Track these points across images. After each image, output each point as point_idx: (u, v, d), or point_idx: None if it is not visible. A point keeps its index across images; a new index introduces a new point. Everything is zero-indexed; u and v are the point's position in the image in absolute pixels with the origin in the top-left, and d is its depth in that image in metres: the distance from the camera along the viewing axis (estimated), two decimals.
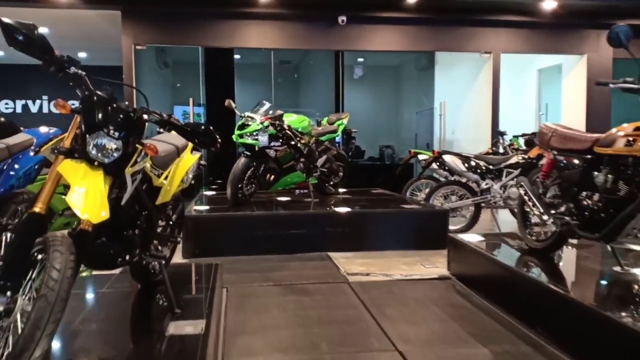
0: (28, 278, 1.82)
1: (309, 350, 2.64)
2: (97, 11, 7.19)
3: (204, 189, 7.33)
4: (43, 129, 3.43)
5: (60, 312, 1.66)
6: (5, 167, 2.58)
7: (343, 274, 4.09)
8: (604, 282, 3.06)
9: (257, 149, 5.16)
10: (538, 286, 2.91)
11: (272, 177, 5.47)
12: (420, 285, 3.84)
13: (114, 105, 2.04)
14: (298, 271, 4.18)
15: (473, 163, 5.72)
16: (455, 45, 7.94)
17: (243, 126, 5.20)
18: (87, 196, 1.85)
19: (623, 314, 2.34)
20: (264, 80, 10.14)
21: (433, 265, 4.29)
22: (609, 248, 3.09)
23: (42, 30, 7.23)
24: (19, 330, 1.70)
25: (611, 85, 2.67)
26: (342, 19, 7.43)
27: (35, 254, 1.83)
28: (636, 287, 2.84)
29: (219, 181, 7.85)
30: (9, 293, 1.78)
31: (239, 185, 5.15)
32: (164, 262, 2.69)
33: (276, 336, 2.83)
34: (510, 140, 6.87)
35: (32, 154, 2.78)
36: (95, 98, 2.02)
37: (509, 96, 9.29)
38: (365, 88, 11.91)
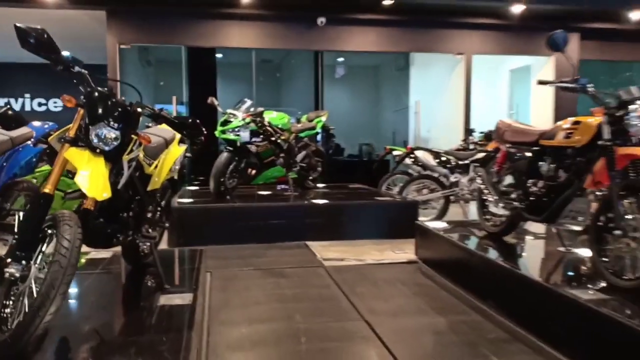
0: (39, 249, 2.10)
1: (285, 321, 2.95)
2: (83, 11, 7.37)
3: (186, 184, 7.55)
4: (36, 123, 3.68)
5: (71, 275, 1.94)
6: (9, 157, 2.84)
7: (319, 260, 4.40)
8: (548, 260, 3.43)
9: (239, 144, 5.45)
10: (491, 264, 3.26)
11: (254, 171, 5.76)
12: (390, 268, 4.18)
13: (113, 100, 2.32)
14: (277, 257, 4.48)
15: (443, 158, 6.09)
16: (430, 46, 8.32)
17: (225, 122, 5.48)
18: (92, 178, 2.14)
19: (562, 285, 2.70)
20: (246, 79, 10.39)
21: (403, 251, 4.62)
22: (554, 230, 3.46)
23: None
24: (34, 294, 1.98)
25: (549, 86, 3.02)
26: (321, 20, 7.75)
27: (46, 229, 2.11)
28: (575, 263, 3.21)
29: (201, 177, 8.09)
30: (23, 262, 2.06)
31: (222, 179, 5.43)
32: (154, 242, 2.97)
33: (256, 310, 3.14)
34: (479, 137, 7.26)
35: (31, 145, 3.03)
36: (96, 94, 2.29)
37: (482, 95, 9.71)
38: (345, 87, 12.24)
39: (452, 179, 5.93)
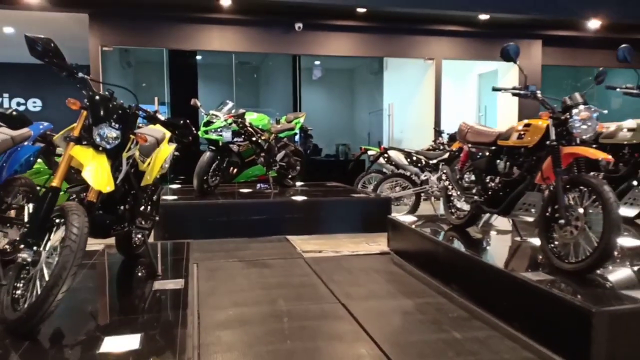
0: (48, 237, 2.35)
1: (268, 304, 3.24)
2: (65, 13, 7.51)
3: (167, 183, 7.74)
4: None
5: (80, 259, 2.19)
6: (10, 155, 3.05)
7: (299, 252, 4.70)
8: (504, 248, 3.80)
9: (221, 144, 5.71)
10: (454, 253, 3.60)
11: (235, 170, 6.03)
12: (364, 259, 4.51)
13: (114, 103, 2.57)
14: (259, 250, 4.76)
15: (414, 158, 6.45)
16: (401, 51, 8.70)
17: (208, 123, 5.74)
18: (97, 173, 2.39)
19: (516, 269, 3.05)
20: (226, 80, 10.62)
21: (376, 243, 4.95)
22: (510, 222, 3.83)
23: (8, 30, 7.62)
24: (45, 276, 2.22)
25: (502, 92, 3.37)
26: (298, 25, 8.05)
27: (54, 218, 2.36)
28: (527, 250, 3.58)
29: (182, 177, 8.29)
30: (34, 248, 2.30)
31: (205, 177, 5.69)
32: (147, 233, 3.23)
33: (241, 296, 3.42)
34: (448, 138, 7.65)
35: (30, 144, 3.24)
36: (98, 97, 2.54)
37: (453, 98, 10.16)
38: (322, 89, 12.56)
39: (423, 177, 6.29)
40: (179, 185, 7.24)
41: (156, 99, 8.24)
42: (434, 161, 6.26)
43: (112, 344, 2.10)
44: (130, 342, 2.12)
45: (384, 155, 6.63)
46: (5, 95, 11.65)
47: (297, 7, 7.55)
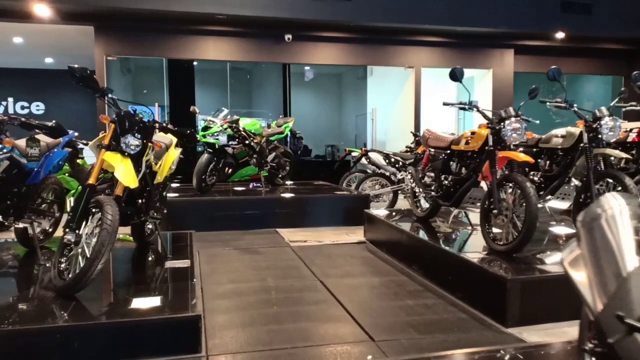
0: (86, 223, 3.02)
1: (259, 281, 3.92)
2: (72, 26, 8.14)
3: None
4: None
5: (114, 240, 2.85)
6: (46, 159, 3.68)
7: (287, 242, 5.38)
8: (456, 235, 4.50)
9: (217, 146, 6.38)
10: (416, 240, 4.30)
11: (230, 170, 6.71)
12: (343, 247, 5.20)
13: (136, 118, 3.24)
14: (252, 240, 5.43)
15: (392, 159, 7.15)
16: (384, 60, 9.40)
17: (206, 128, 6.41)
18: (125, 173, 3.06)
19: (460, 251, 3.75)
20: (221, 84, 11.27)
21: (355, 234, 5.63)
22: (463, 213, 4.54)
23: (17, 40, 8.32)
24: (87, 253, 2.89)
25: (450, 107, 4.07)
26: (288, 36, 8.73)
27: (91, 208, 3.02)
28: (474, 237, 4.28)
29: (179, 176, 8.94)
30: (77, 231, 2.97)
31: (203, 177, 6.36)
32: (158, 223, 3.91)
33: (236, 275, 4.10)
34: (414, 142, 8.33)
35: (60, 149, 3.88)
36: (124, 113, 3.20)
37: (434, 103, 10.84)
38: (312, 93, 13.24)
39: (399, 176, 6.99)
40: (177, 184, 7.89)
41: (156, 105, 8.89)
42: (409, 162, 6.95)
43: (139, 303, 2.77)
44: (152, 301, 2.79)
45: (365, 156, 7.32)
46: (10, 99, 12.24)
47: (287, 20, 8.21)
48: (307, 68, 12.43)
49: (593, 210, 1.10)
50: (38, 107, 12.43)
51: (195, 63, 10.85)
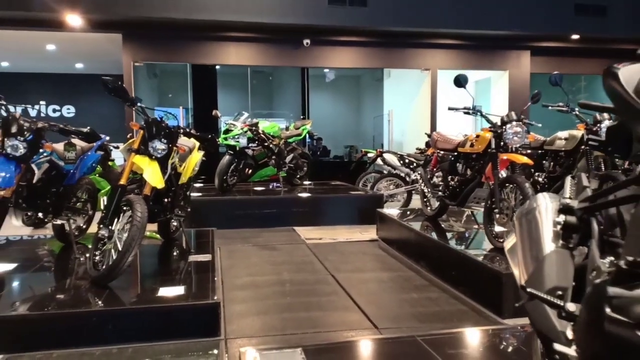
0: (118, 220, 3.34)
1: (275, 275, 4.21)
2: (101, 34, 8.58)
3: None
4: None
5: (143, 234, 3.16)
6: (81, 161, 4.04)
7: (303, 239, 5.66)
8: (463, 234, 4.71)
9: (238, 149, 6.70)
10: (423, 237, 4.53)
11: (250, 170, 7.03)
12: (356, 244, 5.45)
13: (163, 124, 3.55)
14: (270, 238, 5.73)
15: (406, 160, 7.37)
16: (400, 63, 9.61)
17: (227, 131, 6.73)
18: (153, 174, 3.38)
19: (465, 248, 3.96)
20: (242, 86, 11.65)
21: (368, 233, 5.88)
22: (469, 212, 4.75)
23: (50, 47, 8.81)
24: (119, 246, 3.21)
25: (455, 111, 4.28)
26: (306, 41, 9.02)
27: (123, 206, 3.35)
28: (479, 235, 4.48)
29: (203, 177, 9.32)
30: (110, 227, 3.30)
31: (224, 177, 6.69)
32: (182, 220, 4.23)
33: (254, 269, 4.39)
34: (425, 144, 8.51)
35: (94, 152, 4.24)
36: (151, 120, 3.52)
37: (452, 104, 10.99)
38: (331, 95, 13.52)
39: (413, 176, 7.19)
40: (200, 184, 8.25)
41: (181, 108, 9.29)
42: (423, 163, 7.16)
43: (165, 291, 3.08)
44: (177, 290, 3.09)
45: (380, 157, 7.56)
46: (42, 102, 12.83)
47: (305, 27, 8.51)
48: (327, 70, 12.70)
49: (528, 206, 1.35)
50: (69, 110, 13.00)
51: (218, 67, 11.24)
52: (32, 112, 12.77)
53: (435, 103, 9.66)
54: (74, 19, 7.83)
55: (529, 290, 0.99)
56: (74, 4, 7.58)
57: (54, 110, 12.94)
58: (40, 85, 12.46)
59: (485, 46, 9.65)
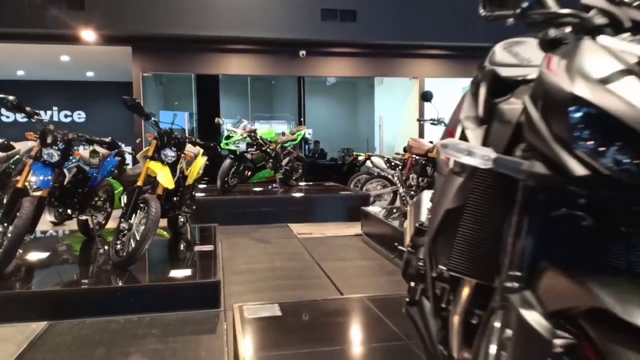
0: (135, 215, 4.03)
1: (269, 263, 4.89)
2: (112, 47, 9.30)
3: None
4: None
5: (157, 226, 3.85)
6: (102, 166, 4.73)
7: (295, 234, 6.33)
8: None
9: (238, 153, 7.40)
10: (398, 231, 5.20)
11: (249, 173, 7.72)
12: (342, 238, 6.13)
13: (173, 135, 4.24)
14: (265, 233, 6.41)
15: (392, 163, 8.03)
16: (390, 71, 10.30)
17: (228, 137, 7.43)
18: (165, 177, 4.06)
19: None
20: (242, 93, 12.35)
21: (354, 229, 6.55)
22: None
23: (64, 58, 9.64)
24: (137, 236, 3.90)
25: (422, 121, 4.95)
26: (302, 52, 9.71)
27: (140, 203, 4.04)
28: None
29: (206, 179, 10.02)
30: (129, 221, 3.98)
31: (226, 179, 7.38)
32: (189, 216, 4.92)
33: (252, 258, 5.08)
34: (403, 149, 9.18)
35: (113, 157, 4.93)
36: (163, 131, 4.21)
37: (440, 109, 11.67)
38: (329, 100, 14.19)
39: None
40: (205, 185, 8.94)
41: (186, 114, 10.00)
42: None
43: (175, 273, 3.77)
44: (185, 272, 3.78)
45: (369, 160, 8.22)
46: (55, 108, 13.55)
47: (301, 41, 9.21)
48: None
49: (419, 196, 2.04)
50: (79, 116, 13.72)
51: (220, 75, 11.94)
52: (45, 117, 13.54)
53: (422, 109, 10.33)
54: (88, 34, 8.55)
55: (400, 247, 1.67)
56: (88, 20, 8.30)
57: (66, 116, 13.66)
58: (53, 92, 13.17)
59: (468, 55, 10.30)
